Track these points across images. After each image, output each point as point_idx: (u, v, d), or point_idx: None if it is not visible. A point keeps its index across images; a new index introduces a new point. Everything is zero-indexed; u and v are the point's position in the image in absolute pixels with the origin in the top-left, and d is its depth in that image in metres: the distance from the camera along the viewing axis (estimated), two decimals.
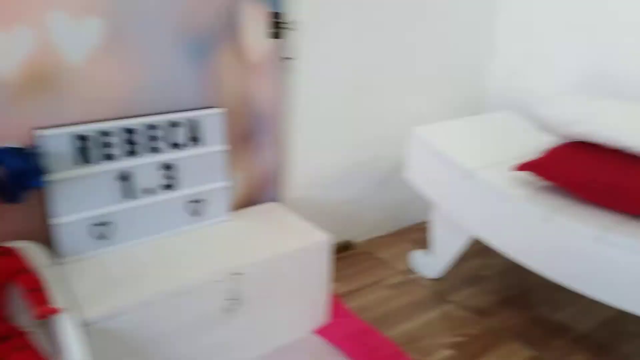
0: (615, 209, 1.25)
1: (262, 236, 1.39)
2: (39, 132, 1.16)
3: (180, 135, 1.35)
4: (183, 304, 1.17)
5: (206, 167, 1.40)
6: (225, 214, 1.47)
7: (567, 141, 1.35)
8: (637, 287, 1.13)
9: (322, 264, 1.41)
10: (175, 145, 1.34)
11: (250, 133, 1.53)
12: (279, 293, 1.34)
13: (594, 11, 1.81)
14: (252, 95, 1.50)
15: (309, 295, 1.41)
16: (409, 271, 1.88)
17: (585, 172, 1.25)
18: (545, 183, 1.42)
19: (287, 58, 1.55)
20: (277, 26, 1.49)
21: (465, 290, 1.76)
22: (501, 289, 1.77)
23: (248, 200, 1.59)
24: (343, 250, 2.01)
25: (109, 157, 1.25)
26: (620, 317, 1.60)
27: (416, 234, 2.14)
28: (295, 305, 1.39)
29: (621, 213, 1.24)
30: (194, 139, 1.37)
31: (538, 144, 1.60)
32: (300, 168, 1.79)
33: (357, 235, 2.08)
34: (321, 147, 1.84)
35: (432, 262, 1.80)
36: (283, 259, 1.31)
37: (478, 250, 1.99)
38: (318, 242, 1.38)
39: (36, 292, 1.00)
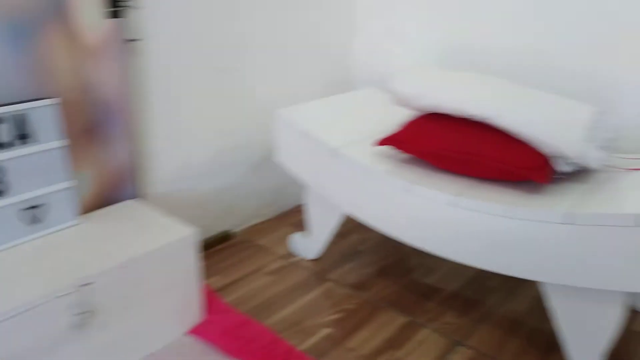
0: (467, 175, 1.32)
1: (117, 238, 1.26)
2: None
3: (4, 132, 1.16)
4: (20, 327, 1.02)
5: (42, 167, 1.22)
6: (72, 218, 1.31)
7: (421, 113, 1.40)
8: (489, 246, 1.21)
9: (189, 261, 1.32)
10: None
11: (96, 125, 1.38)
12: (141, 297, 1.23)
13: None
14: (92, 83, 1.34)
15: (179, 295, 1.32)
16: (289, 255, 1.86)
17: (437, 142, 1.30)
18: (405, 156, 1.47)
19: (131, 40, 1.41)
20: (115, 4, 1.34)
21: (344, 266, 1.78)
22: (377, 260, 1.82)
23: (101, 200, 1.43)
24: (221, 242, 1.93)
25: None
26: (482, 275, 1.72)
27: (296, 217, 2.13)
28: (164, 308, 1.29)
29: (474, 178, 1.32)
30: (23, 136, 1.19)
31: (400, 118, 1.65)
32: (163, 160, 1.66)
33: (236, 224, 2.01)
34: (186, 135, 1.73)
35: (310, 243, 1.80)
36: (142, 260, 1.20)
37: (355, 226, 2.03)
38: (182, 237, 1.29)
39: None
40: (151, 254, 1.22)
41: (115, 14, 1.34)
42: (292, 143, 1.61)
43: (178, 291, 1.31)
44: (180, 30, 1.59)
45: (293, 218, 2.13)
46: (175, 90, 1.65)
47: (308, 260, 1.82)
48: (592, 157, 1.17)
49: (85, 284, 1.10)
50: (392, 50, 2.11)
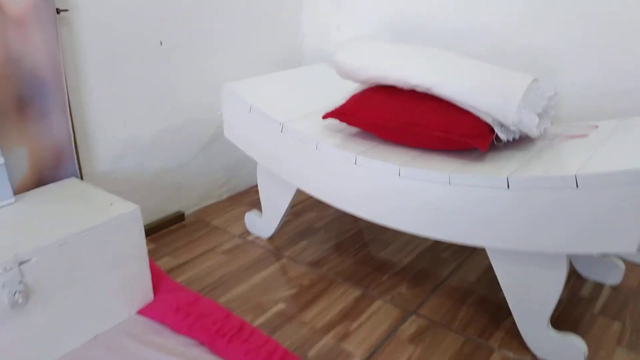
0: (412, 146, 1.33)
1: (56, 216, 1.21)
2: None
3: None
4: None
5: None
6: (7, 197, 1.25)
7: (365, 86, 1.39)
8: (434, 214, 1.22)
9: (134, 238, 1.28)
10: None
11: (28, 99, 1.31)
12: (84, 276, 1.19)
13: None
14: (19, 55, 1.27)
15: (125, 273, 1.28)
16: (245, 234, 1.84)
17: (380, 113, 1.30)
18: (354, 129, 1.46)
19: (59, 10, 1.35)
20: None
21: (299, 244, 1.78)
22: (333, 237, 1.82)
23: (40, 178, 1.37)
24: (173, 223, 1.90)
25: None
26: (435, 247, 1.75)
27: (252, 197, 2.11)
28: (110, 287, 1.26)
29: (419, 149, 1.33)
30: None
31: (349, 92, 1.64)
32: (105, 136, 1.61)
33: (188, 205, 1.97)
34: (129, 111, 1.67)
35: (265, 221, 1.78)
36: (82, 237, 1.16)
37: (313, 205, 2.03)
38: (125, 214, 1.24)
39: None
40: (92, 231, 1.18)
41: None
42: (239, 118, 1.58)
43: (124, 270, 1.28)
44: (113, 2, 1.53)
45: (249, 198, 2.11)
46: (116, 64, 1.59)
47: (263, 239, 1.81)
48: (529, 124, 1.19)
49: (23, 262, 1.06)
50: (340, 25, 2.09)
